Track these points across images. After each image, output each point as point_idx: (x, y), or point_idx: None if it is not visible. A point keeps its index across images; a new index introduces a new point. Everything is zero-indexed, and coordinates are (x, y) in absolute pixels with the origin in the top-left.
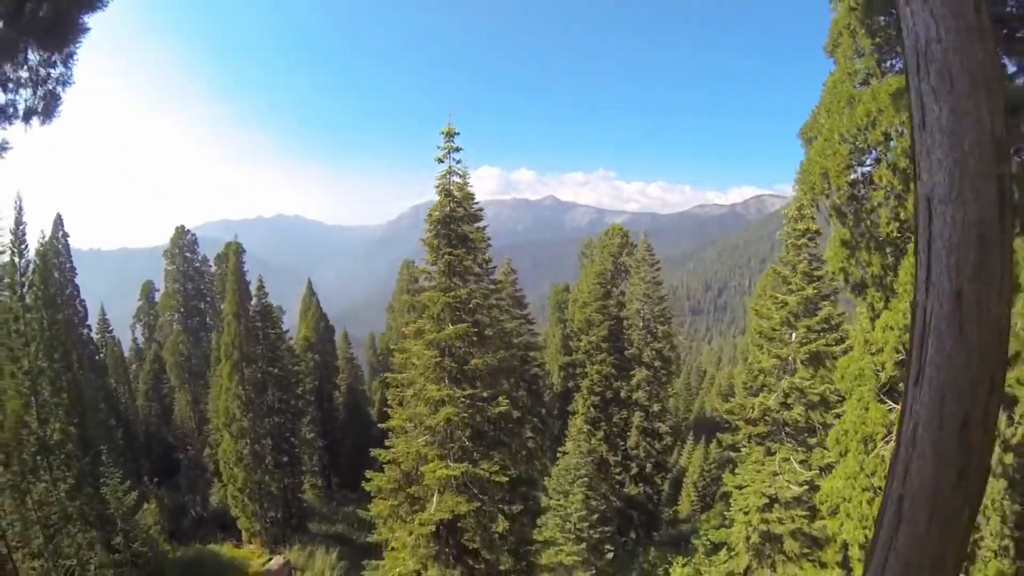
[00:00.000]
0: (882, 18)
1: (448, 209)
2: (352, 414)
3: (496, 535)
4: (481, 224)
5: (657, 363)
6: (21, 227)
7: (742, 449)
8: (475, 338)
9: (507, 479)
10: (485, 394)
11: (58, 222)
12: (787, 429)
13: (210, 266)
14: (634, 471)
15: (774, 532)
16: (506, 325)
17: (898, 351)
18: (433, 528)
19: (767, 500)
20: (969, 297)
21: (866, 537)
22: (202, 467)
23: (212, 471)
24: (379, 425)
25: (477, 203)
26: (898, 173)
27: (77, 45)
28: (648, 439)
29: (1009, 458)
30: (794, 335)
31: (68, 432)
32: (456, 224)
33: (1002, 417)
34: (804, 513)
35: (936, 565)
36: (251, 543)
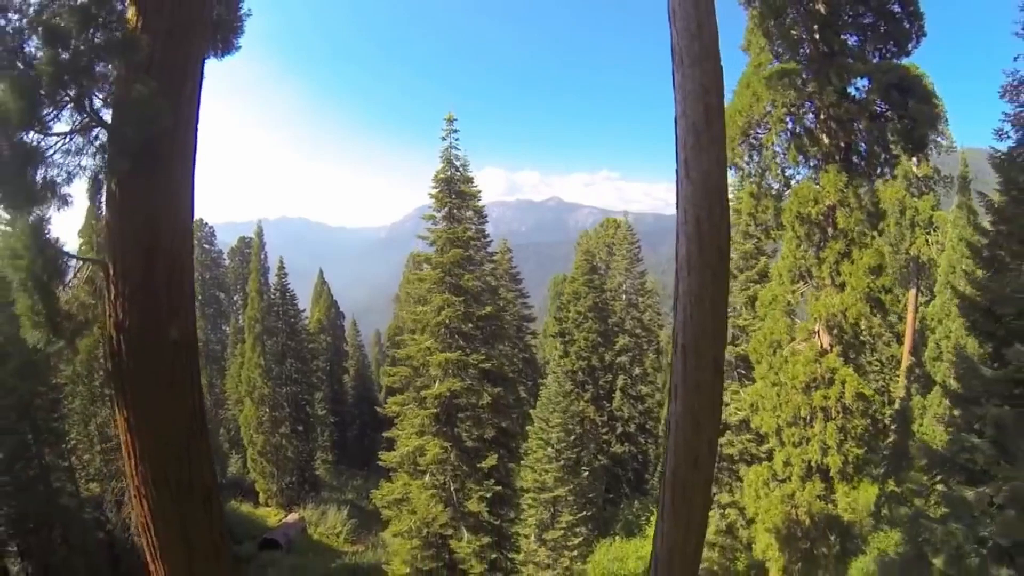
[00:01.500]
0: (772, 23)
1: (449, 172)
2: (360, 397)
3: (481, 411)
4: (473, 185)
5: (638, 331)
6: None
7: None
8: (467, 263)
9: (489, 365)
10: (474, 306)
11: None
12: (739, 370)
13: (224, 260)
14: (619, 431)
15: (726, 454)
16: (504, 294)
17: (791, 272)
18: (435, 411)
19: (720, 427)
20: (690, 162)
21: (777, 424)
22: (217, 444)
23: (227, 449)
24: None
25: (475, 185)
26: (785, 139)
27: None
28: (631, 401)
29: (955, 411)
30: (736, 285)
31: None
32: (455, 184)
33: (949, 373)
34: (751, 437)
35: (700, 298)
36: (268, 505)
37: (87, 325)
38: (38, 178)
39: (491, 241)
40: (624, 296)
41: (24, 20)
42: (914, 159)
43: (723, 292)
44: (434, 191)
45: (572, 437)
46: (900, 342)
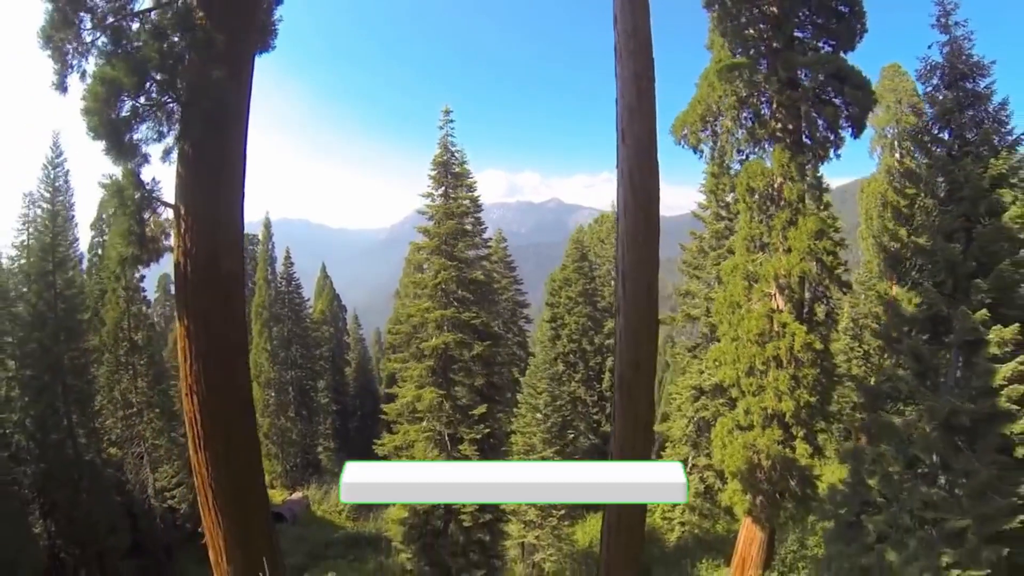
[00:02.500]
0: (729, 24)
1: (446, 157)
2: (361, 389)
3: (472, 363)
4: (467, 171)
5: None
6: None
7: (682, 362)
8: (461, 234)
9: (479, 322)
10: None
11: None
12: (715, 342)
13: None
14: (609, 411)
15: (701, 417)
16: (498, 279)
17: (746, 242)
18: (432, 364)
19: (696, 392)
20: (626, 131)
21: (737, 375)
22: None
23: None
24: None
25: (468, 169)
26: (738, 124)
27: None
28: None
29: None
30: (708, 261)
31: (151, 338)
32: (451, 166)
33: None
34: (724, 401)
35: (634, 235)
36: (272, 486)
37: (162, 250)
38: (126, 139)
39: (486, 228)
40: (613, 282)
41: (131, 23)
42: (896, 154)
43: (654, 230)
44: (432, 172)
45: (559, 402)
46: None
